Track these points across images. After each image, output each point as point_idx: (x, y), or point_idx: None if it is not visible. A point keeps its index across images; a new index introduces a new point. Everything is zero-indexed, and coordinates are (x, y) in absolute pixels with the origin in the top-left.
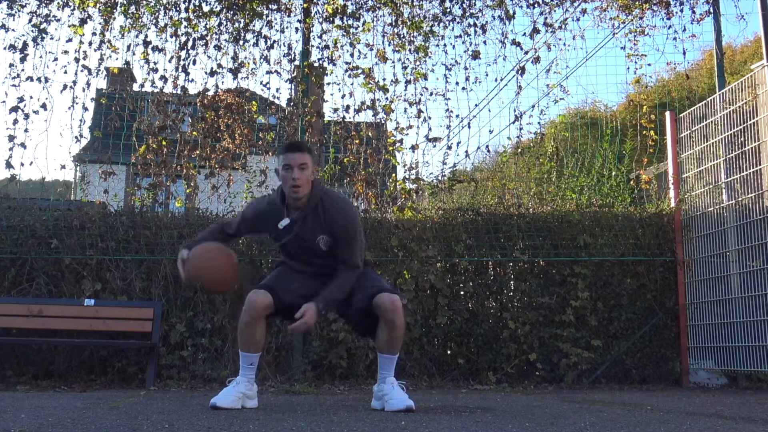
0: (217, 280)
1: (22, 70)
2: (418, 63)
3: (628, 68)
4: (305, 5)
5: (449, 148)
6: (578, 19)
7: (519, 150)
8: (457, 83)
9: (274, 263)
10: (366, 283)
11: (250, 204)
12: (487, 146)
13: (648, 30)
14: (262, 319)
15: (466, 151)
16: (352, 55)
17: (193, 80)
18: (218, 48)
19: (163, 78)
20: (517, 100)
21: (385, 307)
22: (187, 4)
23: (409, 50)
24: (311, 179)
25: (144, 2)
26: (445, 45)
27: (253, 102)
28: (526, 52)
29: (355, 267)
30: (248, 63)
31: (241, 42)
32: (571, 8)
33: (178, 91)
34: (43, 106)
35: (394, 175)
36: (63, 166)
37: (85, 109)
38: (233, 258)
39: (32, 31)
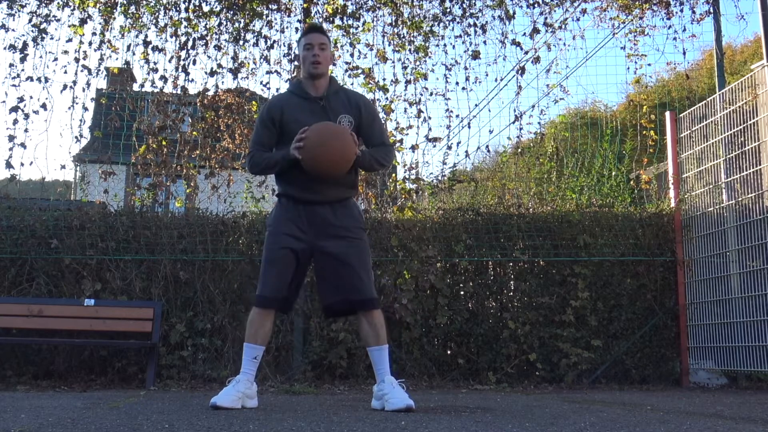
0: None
1: (22, 70)
2: (418, 63)
3: (628, 68)
4: (305, 5)
5: (449, 148)
6: (578, 19)
7: (519, 150)
8: (457, 83)
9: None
10: (345, 277)
11: (268, 103)
12: (487, 146)
13: (648, 30)
14: (273, 314)
15: (466, 151)
16: (352, 55)
17: (193, 80)
18: (218, 48)
19: (163, 78)
20: (517, 100)
21: (362, 312)
22: (187, 4)
23: (409, 50)
24: (330, 62)
25: (144, 2)
26: (445, 45)
27: (253, 102)
28: (526, 52)
29: (391, 145)
30: (248, 63)
31: (241, 42)
32: (571, 8)
33: (178, 91)
34: (43, 106)
35: (394, 175)
36: (63, 166)
37: (85, 109)
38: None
39: (32, 31)
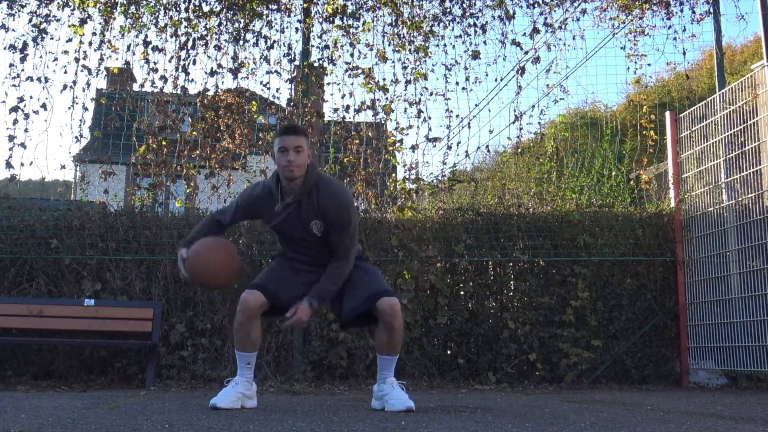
0: (218, 277)
1: (22, 70)
2: (418, 63)
3: (628, 68)
4: (305, 5)
5: (449, 148)
6: (578, 19)
7: (519, 150)
8: (457, 83)
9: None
10: (363, 282)
11: (245, 191)
12: (487, 146)
13: (648, 30)
14: (257, 318)
15: (466, 151)
16: (352, 55)
17: (193, 80)
18: (218, 48)
19: (163, 78)
20: (517, 100)
21: (384, 311)
22: (187, 4)
23: (409, 50)
24: (307, 163)
25: (144, 2)
26: (445, 45)
27: (253, 102)
28: (526, 52)
29: (346, 258)
30: (248, 63)
31: (241, 42)
32: (571, 8)
33: (178, 91)
34: (43, 106)
35: (394, 175)
36: (63, 166)
37: (85, 109)
38: (232, 251)
39: (32, 31)
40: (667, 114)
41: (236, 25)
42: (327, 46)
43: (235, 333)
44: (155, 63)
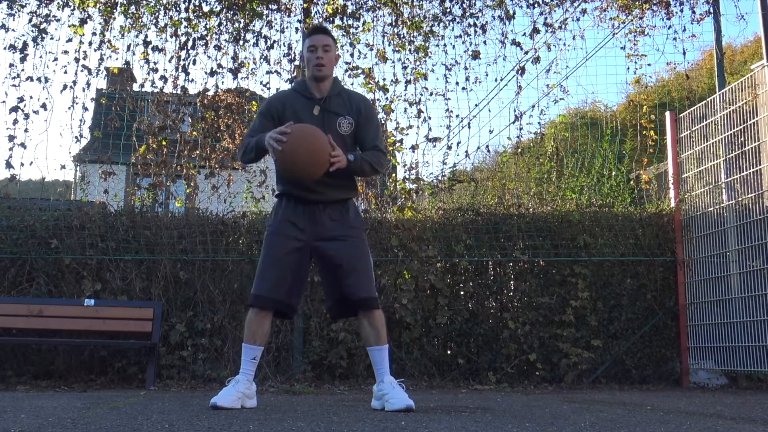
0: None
1: (22, 70)
2: (418, 63)
3: (628, 68)
4: (305, 5)
5: (449, 148)
6: (578, 19)
7: (519, 150)
8: (457, 83)
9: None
10: (350, 280)
11: (270, 97)
12: (487, 146)
13: (648, 30)
14: (270, 315)
15: (466, 151)
16: (352, 55)
17: (193, 80)
18: (218, 48)
19: (163, 78)
20: (517, 100)
21: (362, 312)
22: (187, 4)
23: (409, 50)
24: (334, 62)
25: (144, 2)
26: (445, 45)
27: (253, 102)
28: (526, 52)
29: (385, 151)
30: (248, 63)
31: (241, 42)
32: (571, 8)
33: (178, 91)
34: (43, 106)
35: (394, 175)
36: (63, 166)
37: (85, 109)
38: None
39: (32, 31)
40: (667, 114)
41: (236, 25)
42: None
43: (247, 324)
44: (155, 63)
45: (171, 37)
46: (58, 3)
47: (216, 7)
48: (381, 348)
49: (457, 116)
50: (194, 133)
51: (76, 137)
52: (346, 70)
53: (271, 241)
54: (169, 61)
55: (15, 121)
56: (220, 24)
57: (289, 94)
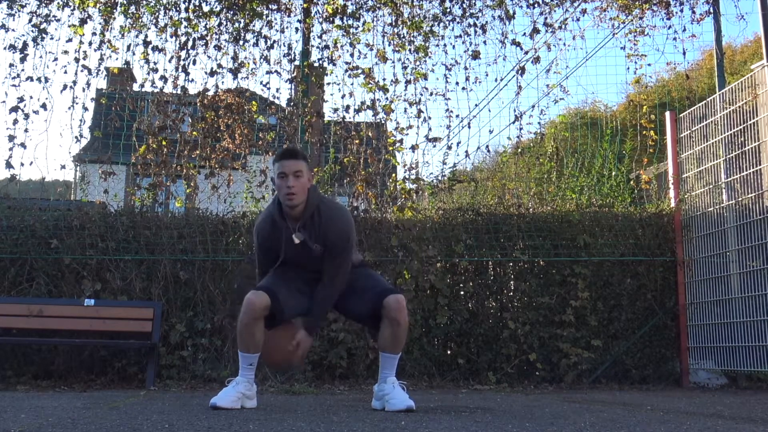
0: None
1: (22, 70)
2: (418, 63)
3: (628, 68)
4: (305, 5)
5: (449, 148)
6: (578, 19)
7: (519, 150)
8: (457, 83)
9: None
10: (368, 285)
11: (259, 229)
12: (487, 146)
13: (648, 30)
14: (261, 320)
15: (466, 151)
16: (352, 55)
17: (193, 80)
18: (218, 48)
19: (163, 78)
20: (517, 100)
21: (390, 306)
22: (187, 4)
23: (409, 50)
24: (307, 186)
25: (144, 2)
26: (445, 45)
27: (253, 102)
28: (526, 52)
29: (336, 282)
30: (248, 63)
31: (241, 42)
32: (571, 8)
33: (178, 91)
34: (43, 106)
35: (394, 175)
36: (63, 166)
37: (85, 109)
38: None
39: (32, 31)
40: (667, 114)
41: (236, 25)
42: (327, 46)
43: (239, 334)
44: (155, 63)
45: (171, 37)
46: (58, 3)
47: (216, 7)
48: (394, 356)
49: (457, 116)
50: (194, 133)
51: (76, 137)
52: (346, 70)
53: (279, 269)
54: (169, 61)
55: (15, 121)
56: (220, 24)
57: (270, 223)
